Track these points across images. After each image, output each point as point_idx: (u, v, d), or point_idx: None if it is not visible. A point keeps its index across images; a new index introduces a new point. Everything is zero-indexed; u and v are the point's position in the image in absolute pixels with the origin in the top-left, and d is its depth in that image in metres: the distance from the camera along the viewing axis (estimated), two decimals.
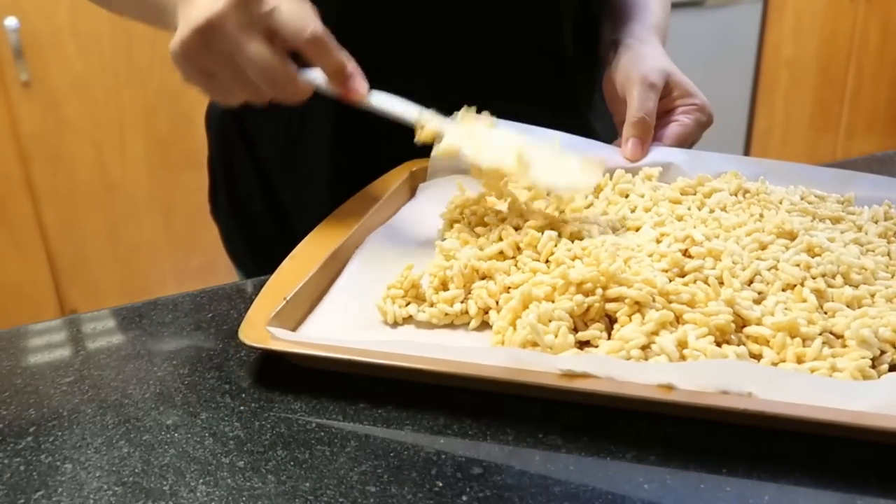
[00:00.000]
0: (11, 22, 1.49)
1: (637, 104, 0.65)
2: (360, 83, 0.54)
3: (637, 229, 0.55)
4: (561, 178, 0.54)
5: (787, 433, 0.40)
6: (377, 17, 0.68)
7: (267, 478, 0.38)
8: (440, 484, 0.37)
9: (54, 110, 1.58)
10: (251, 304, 0.48)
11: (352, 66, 0.53)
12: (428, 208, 0.61)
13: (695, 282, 0.47)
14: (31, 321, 0.54)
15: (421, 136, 0.56)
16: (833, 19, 2.35)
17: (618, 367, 0.41)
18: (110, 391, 0.45)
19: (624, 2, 0.77)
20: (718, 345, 0.43)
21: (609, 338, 0.45)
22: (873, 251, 0.53)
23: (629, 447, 0.39)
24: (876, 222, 0.57)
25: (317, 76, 0.53)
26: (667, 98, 0.67)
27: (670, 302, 0.45)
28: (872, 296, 0.48)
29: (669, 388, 0.39)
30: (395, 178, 0.65)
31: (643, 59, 0.68)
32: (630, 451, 0.39)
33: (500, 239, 0.53)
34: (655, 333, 0.44)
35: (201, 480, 0.38)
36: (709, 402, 0.39)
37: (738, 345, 0.44)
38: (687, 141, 0.67)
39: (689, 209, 0.57)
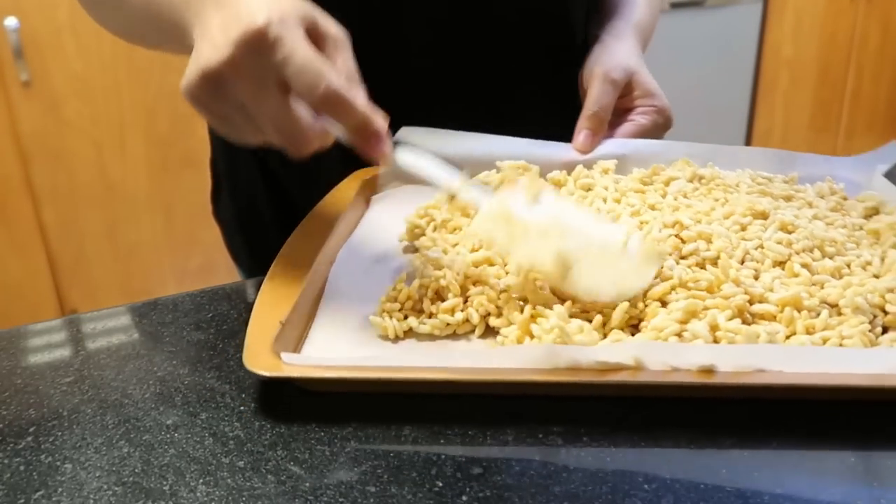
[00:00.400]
0: (11, 22, 1.49)
1: (594, 98, 0.65)
2: (384, 144, 0.47)
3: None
4: (606, 283, 0.46)
5: (789, 432, 0.40)
6: (379, 17, 0.68)
7: (267, 478, 0.38)
8: (440, 484, 0.37)
9: (54, 110, 1.58)
10: (251, 304, 0.48)
11: (377, 123, 0.46)
12: (385, 220, 0.60)
13: (700, 265, 0.49)
14: (31, 321, 0.54)
15: (450, 206, 0.54)
16: (833, 19, 2.35)
17: (659, 351, 0.41)
18: (110, 391, 0.45)
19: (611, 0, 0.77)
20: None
21: (635, 332, 0.46)
22: (832, 224, 0.55)
23: (629, 447, 0.39)
24: (822, 197, 0.60)
25: (338, 129, 0.47)
26: (628, 97, 0.68)
27: (689, 290, 0.46)
28: (849, 265, 0.50)
29: (711, 370, 0.40)
30: (349, 189, 0.64)
31: (610, 55, 0.68)
32: (630, 451, 0.39)
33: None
34: (684, 322, 0.44)
35: (201, 480, 0.38)
36: (752, 380, 0.40)
37: (751, 322, 0.45)
38: (635, 130, 0.67)
39: (654, 198, 0.58)
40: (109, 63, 1.59)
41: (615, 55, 0.68)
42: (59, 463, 0.40)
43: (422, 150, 0.50)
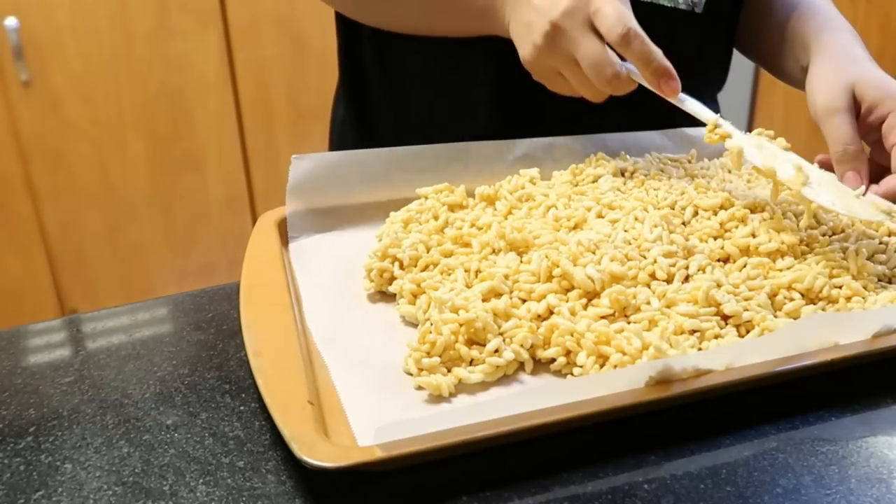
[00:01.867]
0: (11, 22, 1.49)
1: (832, 140, 0.61)
2: (672, 81, 0.57)
3: (576, 227, 0.55)
4: (838, 202, 0.52)
5: (789, 432, 0.40)
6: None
7: (267, 478, 0.38)
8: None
9: (54, 110, 1.58)
10: None
11: (662, 62, 0.57)
12: (328, 272, 0.55)
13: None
14: (31, 321, 0.54)
15: (710, 137, 0.58)
16: None
17: (746, 352, 0.42)
18: (110, 391, 0.45)
19: (799, 26, 0.73)
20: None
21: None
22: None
23: (629, 447, 0.39)
24: (729, 171, 0.63)
25: (635, 69, 0.58)
26: (865, 112, 0.63)
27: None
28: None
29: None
30: (268, 233, 0.57)
31: (823, 83, 0.64)
32: (630, 451, 0.39)
33: (471, 274, 0.51)
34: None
35: (201, 480, 0.38)
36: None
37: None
38: None
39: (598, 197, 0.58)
40: (109, 63, 1.59)
41: (827, 80, 0.64)
42: (59, 463, 0.40)
43: (698, 101, 0.59)
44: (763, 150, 0.55)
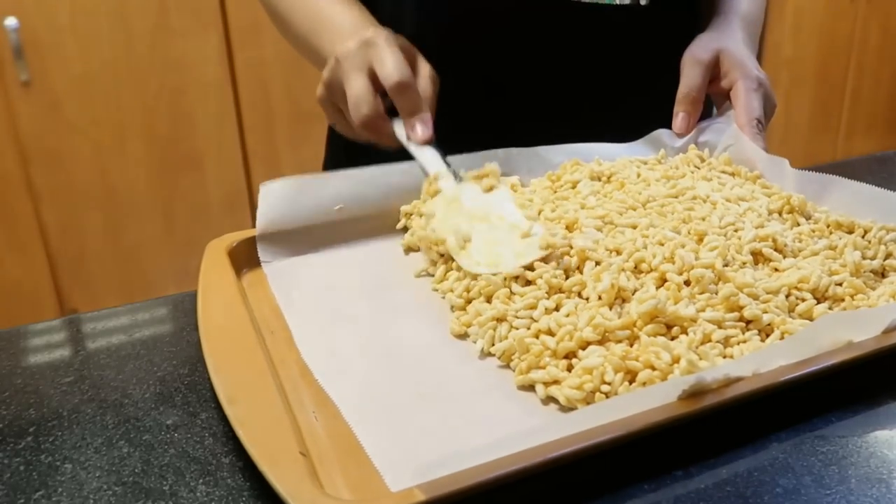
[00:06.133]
0: (11, 22, 1.49)
1: (683, 82, 0.68)
2: (422, 129, 0.60)
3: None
4: (489, 260, 0.51)
5: (788, 433, 0.40)
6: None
7: None
8: None
9: (54, 110, 1.58)
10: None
11: (425, 115, 0.60)
12: (303, 304, 0.52)
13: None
14: (31, 321, 0.54)
15: (427, 189, 0.59)
16: (833, 19, 2.35)
17: (773, 357, 0.42)
18: (110, 391, 0.45)
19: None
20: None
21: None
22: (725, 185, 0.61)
23: (629, 448, 0.39)
24: (698, 168, 0.64)
25: (399, 127, 0.61)
26: (723, 78, 0.69)
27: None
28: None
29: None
30: (221, 264, 0.57)
31: (700, 41, 0.71)
32: (630, 452, 0.39)
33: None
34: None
35: (201, 480, 0.38)
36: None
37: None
38: (744, 109, 0.66)
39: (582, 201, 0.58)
40: (109, 63, 1.59)
41: (702, 40, 0.71)
42: (59, 463, 0.40)
43: (435, 149, 0.60)
44: (449, 209, 0.55)
